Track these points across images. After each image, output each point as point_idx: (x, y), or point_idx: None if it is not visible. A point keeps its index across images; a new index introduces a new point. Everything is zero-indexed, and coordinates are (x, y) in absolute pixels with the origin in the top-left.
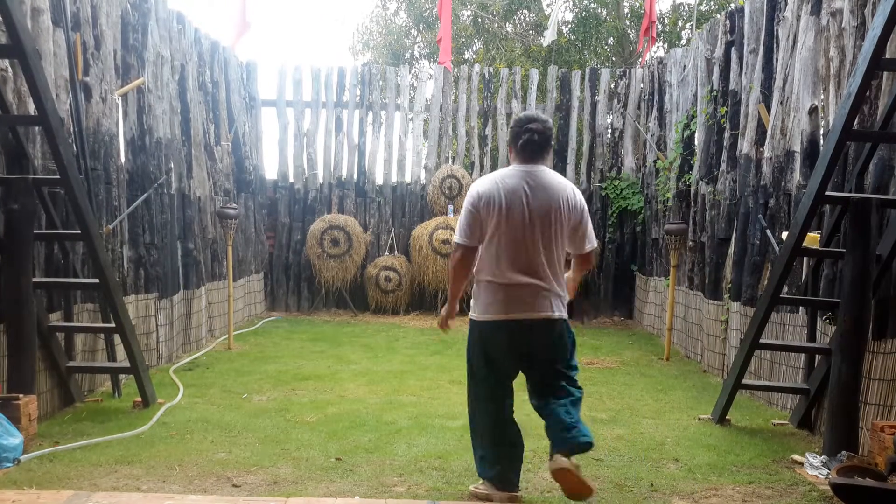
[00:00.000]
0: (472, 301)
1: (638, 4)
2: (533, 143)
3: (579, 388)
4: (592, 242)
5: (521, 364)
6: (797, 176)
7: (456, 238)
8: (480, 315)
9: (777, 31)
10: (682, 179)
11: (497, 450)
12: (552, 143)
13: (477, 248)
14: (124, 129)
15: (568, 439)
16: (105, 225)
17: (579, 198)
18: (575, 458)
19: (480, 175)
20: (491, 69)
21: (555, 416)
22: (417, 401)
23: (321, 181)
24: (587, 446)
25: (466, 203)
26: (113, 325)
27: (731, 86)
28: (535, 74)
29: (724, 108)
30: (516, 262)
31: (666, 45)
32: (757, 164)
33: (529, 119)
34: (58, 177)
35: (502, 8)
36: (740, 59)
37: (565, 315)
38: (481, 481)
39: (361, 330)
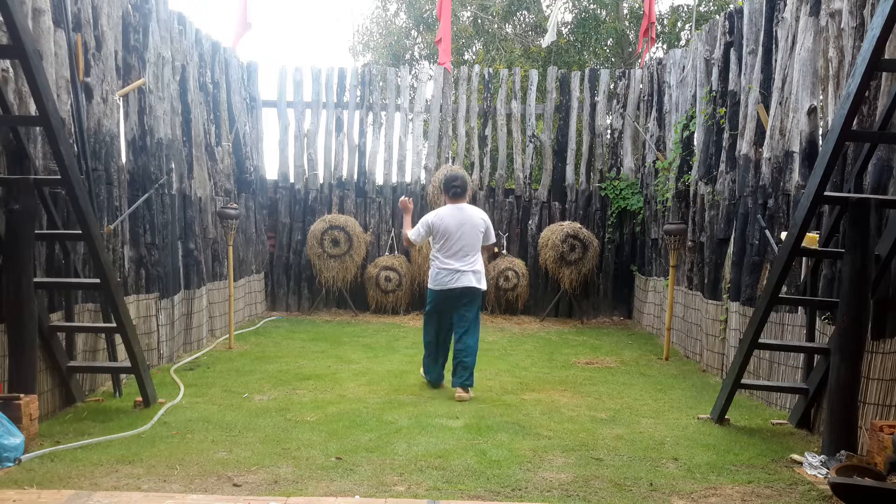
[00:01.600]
0: (429, 276)
1: (637, 5)
2: (457, 191)
3: (477, 328)
4: (493, 239)
5: (454, 310)
6: (796, 176)
7: (411, 237)
8: (435, 286)
9: (776, 31)
10: (682, 180)
11: (435, 361)
12: (468, 189)
13: (415, 244)
14: (125, 129)
15: (462, 382)
16: (106, 225)
17: (484, 217)
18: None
19: (480, 175)
20: (491, 70)
21: (460, 365)
22: (417, 400)
23: (321, 181)
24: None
25: (423, 221)
26: (114, 324)
27: (730, 86)
28: (534, 75)
29: (723, 109)
30: (454, 257)
31: (665, 46)
32: (756, 165)
33: (454, 177)
34: (59, 177)
35: (502, 9)
36: (739, 59)
37: (483, 287)
38: (426, 381)
39: (362, 330)
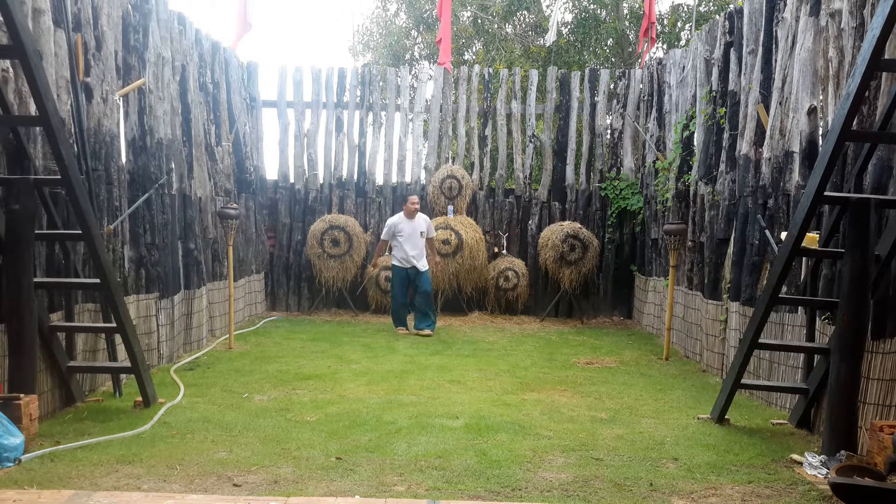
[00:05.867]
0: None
1: (637, 5)
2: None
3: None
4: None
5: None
6: (796, 176)
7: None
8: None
9: (776, 31)
10: (682, 180)
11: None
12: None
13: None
14: (125, 129)
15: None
16: (106, 225)
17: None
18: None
19: (480, 175)
20: (491, 70)
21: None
22: (417, 400)
23: (321, 181)
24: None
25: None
26: (114, 324)
27: (730, 86)
28: (534, 75)
29: (723, 109)
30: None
31: (665, 46)
32: (756, 165)
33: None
34: (59, 177)
35: (502, 9)
36: (739, 59)
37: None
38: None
39: (362, 330)
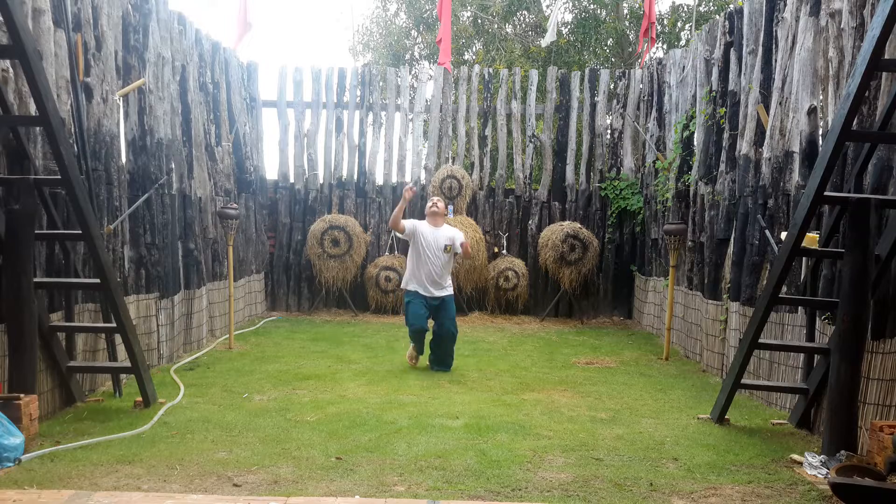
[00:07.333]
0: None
1: (637, 5)
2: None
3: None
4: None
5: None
6: (796, 176)
7: (406, 225)
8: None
9: (776, 31)
10: (682, 180)
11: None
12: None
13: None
14: (125, 129)
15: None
16: (106, 225)
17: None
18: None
19: (480, 175)
20: (491, 70)
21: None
22: (417, 400)
23: (321, 181)
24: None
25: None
26: (114, 324)
27: (730, 86)
28: (534, 75)
29: (723, 109)
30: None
31: (665, 46)
32: (756, 165)
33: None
34: (59, 177)
35: (502, 9)
36: (739, 59)
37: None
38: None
39: (362, 330)
